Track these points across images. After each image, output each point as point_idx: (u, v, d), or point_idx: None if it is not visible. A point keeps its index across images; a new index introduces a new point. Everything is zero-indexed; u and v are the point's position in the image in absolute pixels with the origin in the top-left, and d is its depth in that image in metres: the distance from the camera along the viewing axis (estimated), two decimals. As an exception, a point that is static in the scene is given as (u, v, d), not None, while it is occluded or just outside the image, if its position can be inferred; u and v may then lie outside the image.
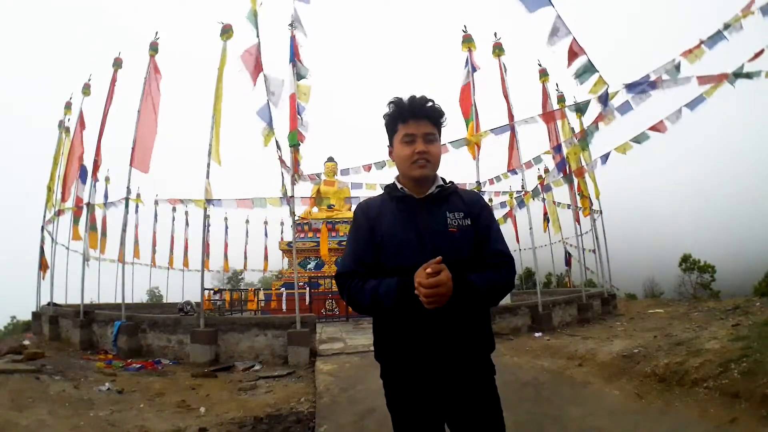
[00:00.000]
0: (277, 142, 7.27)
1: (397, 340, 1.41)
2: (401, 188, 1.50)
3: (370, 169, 9.70)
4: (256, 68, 6.89)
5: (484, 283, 1.35)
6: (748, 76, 5.79)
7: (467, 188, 1.74)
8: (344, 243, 15.59)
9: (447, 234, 1.41)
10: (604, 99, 5.88)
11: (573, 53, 5.65)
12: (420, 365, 1.38)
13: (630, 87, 5.92)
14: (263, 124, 7.08)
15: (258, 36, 6.91)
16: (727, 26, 5.71)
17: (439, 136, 1.52)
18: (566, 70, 5.77)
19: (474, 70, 8.51)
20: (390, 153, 1.57)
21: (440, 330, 1.34)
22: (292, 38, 7.06)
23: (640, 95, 6.02)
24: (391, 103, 1.49)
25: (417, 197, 1.48)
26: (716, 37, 5.91)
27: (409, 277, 1.28)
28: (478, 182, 8.98)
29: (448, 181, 1.55)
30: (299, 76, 7.06)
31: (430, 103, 1.47)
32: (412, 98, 1.47)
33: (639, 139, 8.33)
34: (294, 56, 7.05)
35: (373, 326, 1.53)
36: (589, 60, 5.60)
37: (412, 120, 1.44)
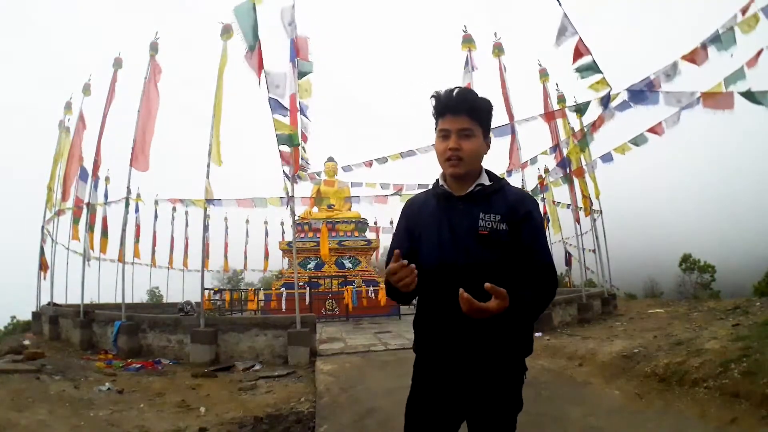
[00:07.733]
0: (281, 137, 7.24)
1: (433, 334, 1.43)
2: (442, 185, 1.48)
3: (371, 165, 9.69)
4: (260, 66, 6.87)
5: (532, 302, 1.33)
6: (755, 99, 5.52)
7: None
8: (344, 243, 15.50)
9: (476, 236, 1.37)
10: (606, 101, 5.87)
11: (579, 53, 5.66)
12: (452, 360, 1.39)
13: (632, 93, 5.89)
14: (274, 114, 7.02)
15: (257, 34, 6.84)
16: (730, 29, 5.67)
17: (484, 130, 1.44)
18: (566, 70, 5.79)
19: (473, 69, 8.51)
20: None
21: (477, 329, 1.30)
22: (292, 39, 7.04)
23: (643, 102, 5.99)
24: (432, 96, 1.45)
25: (456, 195, 1.45)
26: (716, 38, 5.88)
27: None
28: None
29: (495, 177, 1.47)
30: (301, 74, 7.01)
31: (470, 97, 1.41)
32: (450, 91, 1.42)
33: (637, 141, 8.30)
34: (295, 54, 7.01)
35: (413, 319, 1.56)
36: (594, 61, 5.60)
37: (449, 114, 1.40)
